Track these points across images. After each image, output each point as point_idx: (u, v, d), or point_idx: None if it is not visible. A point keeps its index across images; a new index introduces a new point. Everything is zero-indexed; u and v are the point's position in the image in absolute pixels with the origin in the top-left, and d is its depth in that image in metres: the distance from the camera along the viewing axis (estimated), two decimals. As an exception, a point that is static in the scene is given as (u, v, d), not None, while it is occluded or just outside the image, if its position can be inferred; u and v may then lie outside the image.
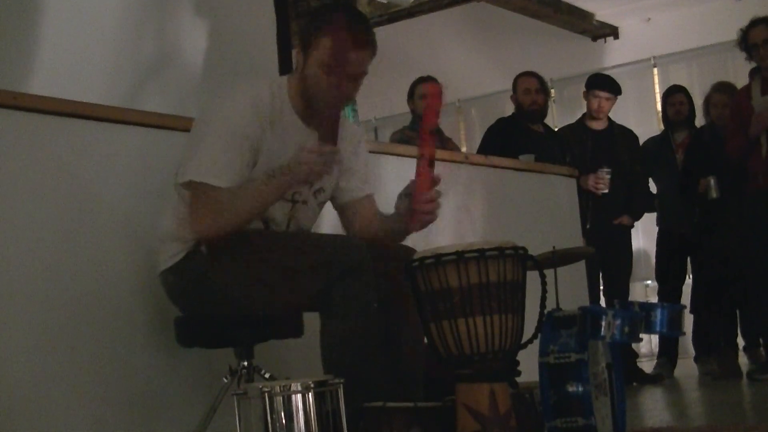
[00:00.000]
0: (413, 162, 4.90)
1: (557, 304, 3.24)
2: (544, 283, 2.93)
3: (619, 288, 6.59)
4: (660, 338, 7.18)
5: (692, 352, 7.14)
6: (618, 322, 3.17)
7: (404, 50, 8.81)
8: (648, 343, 8.67)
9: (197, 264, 3.18)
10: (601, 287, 6.70)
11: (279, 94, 3.23)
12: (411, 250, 3.23)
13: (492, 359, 2.80)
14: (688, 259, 7.03)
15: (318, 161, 3.07)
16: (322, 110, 3.23)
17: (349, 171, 3.45)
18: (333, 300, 3.05)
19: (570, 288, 3.42)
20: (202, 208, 3.11)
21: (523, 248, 2.89)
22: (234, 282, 3.15)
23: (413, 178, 3.24)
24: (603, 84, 6.88)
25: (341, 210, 3.50)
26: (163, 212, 3.29)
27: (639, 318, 3.28)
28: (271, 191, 3.10)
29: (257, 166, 3.17)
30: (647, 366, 7.14)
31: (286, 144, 3.21)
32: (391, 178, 4.72)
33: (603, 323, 3.14)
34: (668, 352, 7.03)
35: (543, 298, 2.94)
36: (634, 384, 6.30)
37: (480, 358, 2.79)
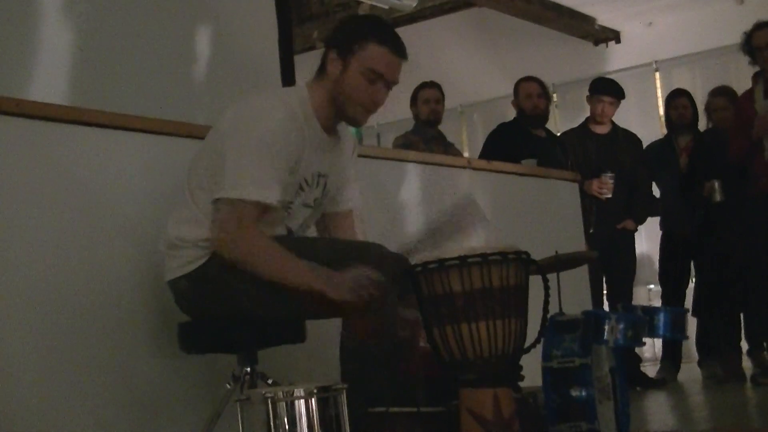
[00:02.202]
0: (415, 167, 4.97)
1: (560, 308, 3.24)
2: (546, 288, 2.92)
3: (622, 292, 6.58)
4: (663, 342, 7.16)
5: (695, 355, 7.13)
6: (621, 325, 3.18)
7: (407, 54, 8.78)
8: (651, 348, 8.65)
9: (217, 270, 3.16)
10: (605, 291, 6.69)
11: (304, 105, 3.25)
12: (404, 259, 3.24)
13: (495, 364, 2.80)
14: (692, 262, 7.01)
15: (371, 293, 3.01)
16: (354, 117, 3.28)
17: (345, 181, 3.48)
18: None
19: (573, 292, 3.41)
20: (237, 232, 3.07)
21: (526, 253, 2.89)
22: (256, 288, 3.12)
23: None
24: (606, 88, 6.88)
25: (322, 216, 3.51)
26: (172, 219, 3.27)
27: (642, 322, 3.28)
28: (308, 279, 3.03)
29: (293, 176, 3.19)
30: (651, 370, 7.13)
31: (312, 153, 3.24)
32: (393, 183, 4.73)
33: (606, 327, 3.15)
34: (671, 356, 7.01)
35: (546, 302, 2.93)
36: (638, 388, 6.28)
37: (483, 363, 2.79)
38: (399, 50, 3.24)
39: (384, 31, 3.28)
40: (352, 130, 3.63)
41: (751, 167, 6.05)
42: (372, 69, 3.19)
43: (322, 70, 3.28)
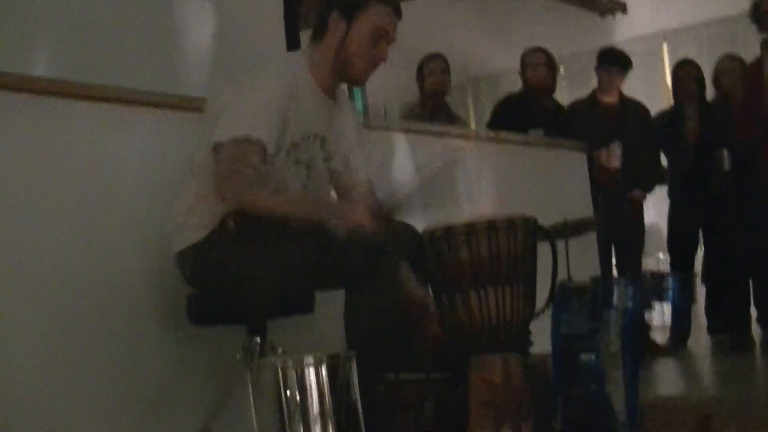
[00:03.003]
0: (421, 138, 4.95)
1: (569, 275, 3.23)
2: (554, 254, 2.92)
3: (631, 262, 6.56)
4: (672, 309, 7.15)
5: (705, 323, 7.11)
6: (630, 291, 3.17)
7: (412, 29, 8.77)
8: (660, 315, 8.64)
9: (222, 240, 3.18)
10: (614, 262, 6.68)
11: (302, 74, 3.28)
12: (413, 229, 3.25)
13: (504, 330, 2.80)
14: (700, 230, 7.00)
15: (367, 224, 3.02)
16: (358, 76, 3.33)
17: (348, 151, 3.49)
18: (360, 274, 3.04)
19: (581, 261, 3.41)
20: (232, 178, 3.08)
21: (533, 219, 2.89)
22: (261, 257, 3.14)
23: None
24: (614, 58, 6.86)
25: (338, 192, 3.54)
26: (180, 199, 3.29)
27: (651, 287, 3.28)
28: (310, 209, 3.08)
29: (284, 134, 3.20)
30: (660, 338, 7.12)
31: (307, 115, 3.26)
32: (400, 154, 4.72)
33: (615, 293, 3.14)
34: (681, 323, 7.00)
35: (554, 269, 2.93)
36: (647, 356, 6.28)
37: (492, 329, 2.79)
38: (397, 9, 3.32)
39: None
40: (358, 105, 3.63)
41: (759, 158, 6.02)
42: (378, 26, 3.25)
43: (319, 32, 3.32)
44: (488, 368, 2.80)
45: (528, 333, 2.95)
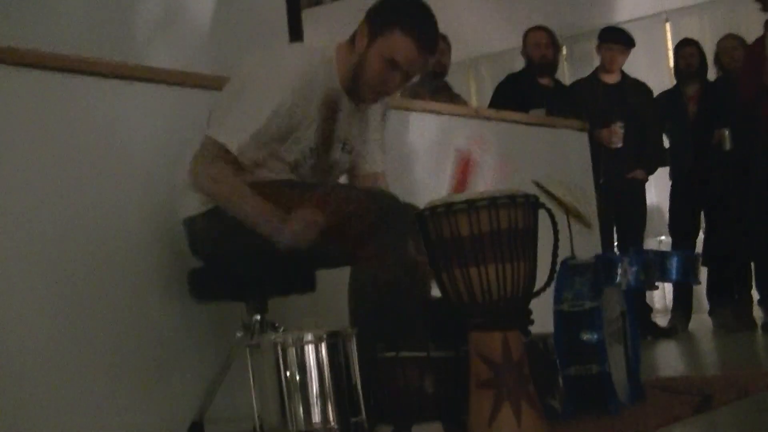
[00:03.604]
0: (423, 116, 4.95)
1: (572, 252, 3.22)
2: (556, 231, 2.91)
3: (632, 243, 6.56)
4: (674, 292, 7.16)
5: (707, 306, 7.12)
6: (633, 268, 3.17)
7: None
8: (662, 298, 8.66)
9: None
10: (615, 243, 6.68)
11: (328, 67, 3.23)
12: (414, 207, 3.24)
13: (504, 307, 2.79)
14: (701, 212, 6.99)
15: (303, 233, 3.03)
16: (363, 96, 3.26)
17: (370, 141, 3.47)
18: (367, 250, 3.04)
19: (583, 239, 3.40)
20: (203, 163, 3.12)
21: (535, 196, 2.88)
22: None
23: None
24: (616, 36, 6.84)
25: (350, 178, 3.52)
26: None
27: (654, 265, 3.27)
28: (255, 219, 3.08)
29: (301, 135, 3.18)
30: (662, 320, 7.13)
31: (332, 117, 3.25)
32: (399, 133, 4.72)
33: (618, 270, 3.14)
34: (682, 305, 7.01)
35: (555, 246, 2.92)
36: (648, 337, 6.29)
37: (492, 306, 2.78)
38: (424, 44, 3.18)
39: (415, 20, 3.19)
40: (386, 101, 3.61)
41: (760, 111, 6.02)
42: (391, 57, 3.16)
43: (354, 38, 3.26)
44: (488, 345, 2.80)
45: (529, 311, 2.93)
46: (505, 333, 2.80)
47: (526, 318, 2.93)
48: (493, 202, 2.77)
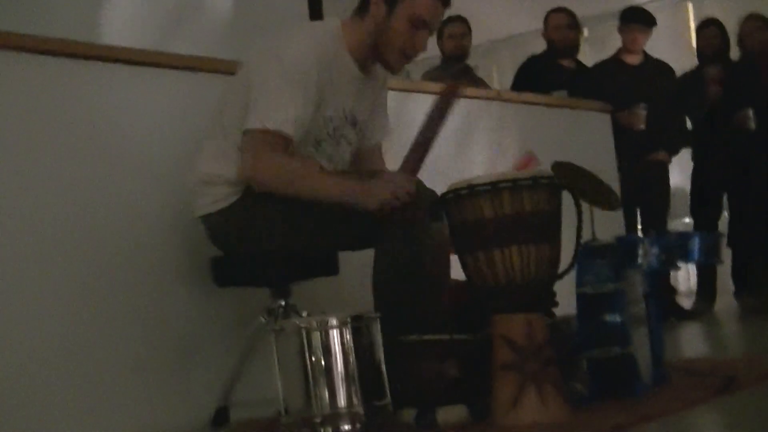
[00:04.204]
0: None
1: (593, 234, 3.23)
2: (579, 213, 2.92)
3: (656, 225, 6.53)
4: (698, 274, 7.14)
5: (731, 287, 7.10)
6: (655, 250, 3.17)
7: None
8: (686, 281, 8.63)
9: (249, 205, 3.20)
10: (639, 226, 6.66)
11: (336, 41, 3.25)
12: (433, 193, 3.26)
13: (528, 289, 2.80)
14: (724, 194, 6.97)
15: (399, 198, 3.03)
16: (393, 63, 3.29)
17: (373, 117, 3.49)
18: (387, 235, 3.06)
19: (606, 222, 3.40)
20: (268, 159, 3.11)
21: (558, 177, 2.89)
22: (287, 221, 3.18)
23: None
24: (637, 16, 6.80)
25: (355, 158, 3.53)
26: (204, 154, 3.30)
27: (676, 246, 3.27)
28: (336, 192, 3.09)
29: (321, 111, 3.20)
30: (686, 303, 7.11)
31: (341, 90, 3.26)
32: (420, 116, 4.72)
33: (640, 252, 3.14)
34: (707, 287, 6.98)
35: (579, 229, 2.93)
36: (673, 319, 6.27)
37: (516, 288, 2.79)
38: None
39: None
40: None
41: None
42: (419, 15, 3.20)
43: (363, 9, 3.28)
44: (511, 328, 2.81)
45: (553, 293, 2.94)
46: (529, 316, 2.82)
47: (550, 300, 2.95)
48: (515, 184, 2.78)
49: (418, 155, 3.20)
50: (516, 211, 2.77)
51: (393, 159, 3.46)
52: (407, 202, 3.01)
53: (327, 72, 3.18)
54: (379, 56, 3.28)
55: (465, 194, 2.81)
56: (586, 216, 2.99)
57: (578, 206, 2.90)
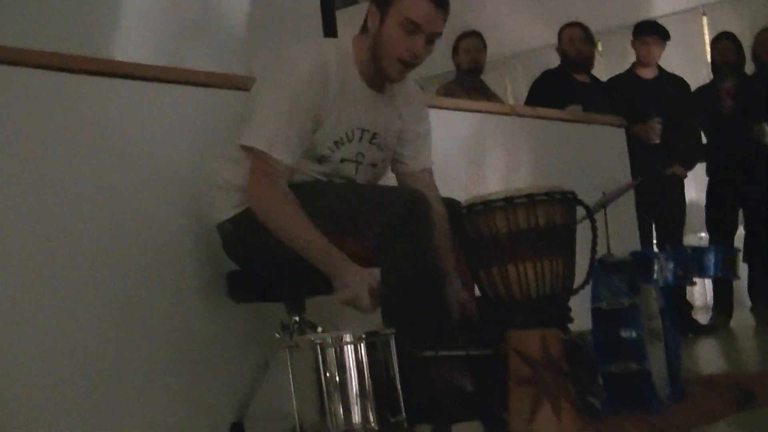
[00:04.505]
0: (457, 114, 4.95)
1: (608, 249, 3.23)
2: (594, 228, 2.92)
3: (672, 239, 6.53)
4: (714, 289, 7.12)
5: (748, 302, 7.08)
6: (670, 265, 3.17)
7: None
8: (703, 296, 8.61)
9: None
10: (654, 240, 6.65)
11: (344, 58, 3.23)
12: (456, 202, 3.26)
13: (543, 304, 2.80)
14: (740, 208, 6.95)
15: (360, 299, 3.01)
16: (390, 72, 3.22)
17: (410, 140, 3.48)
18: (390, 249, 3.03)
19: (621, 236, 3.40)
20: (261, 184, 3.11)
21: (572, 192, 2.89)
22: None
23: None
24: (651, 29, 6.81)
25: (397, 177, 3.53)
26: (220, 156, 3.30)
27: (692, 261, 3.26)
28: (315, 256, 3.07)
29: (323, 129, 3.18)
30: (702, 318, 7.09)
31: (352, 107, 3.23)
32: (436, 131, 4.72)
33: (655, 267, 3.14)
34: (723, 302, 6.97)
35: (594, 243, 2.93)
36: (690, 335, 6.26)
37: (530, 304, 2.79)
38: (439, 1, 3.16)
39: None
40: (421, 98, 3.60)
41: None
42: (409, 19, 3.12)
43: (364, 25, 3.26)
44: (526, 343, 2.81)
45: (568, 308, 2.94)
46: (544, 331, 2.82)
47: (565, 315, 2.94)
48: (530, 199, 2.78)
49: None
50: (530, 225, 2.77)
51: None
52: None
53: (328, 91, 3.16)
54: (378, 68, 3.23)
55: (480, 209, 2.81)
56: (601, 231, 2.99)
57: (593, 222, 2.89)
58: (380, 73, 3.24)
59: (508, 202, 2.78)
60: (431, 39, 3.19)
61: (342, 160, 3.27)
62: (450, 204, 3.30)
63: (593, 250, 2.94)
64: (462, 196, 3.40)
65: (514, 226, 2.77)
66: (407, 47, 3.16)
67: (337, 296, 3.03)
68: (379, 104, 3.32)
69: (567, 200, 2.85)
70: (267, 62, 3.26)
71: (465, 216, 2.86)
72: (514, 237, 2.77)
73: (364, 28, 3.26)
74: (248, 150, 3.14)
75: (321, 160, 3.24)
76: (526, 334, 2.81)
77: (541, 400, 2.75)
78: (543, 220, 2.78)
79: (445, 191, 3.32)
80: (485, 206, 2.80)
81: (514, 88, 10.65)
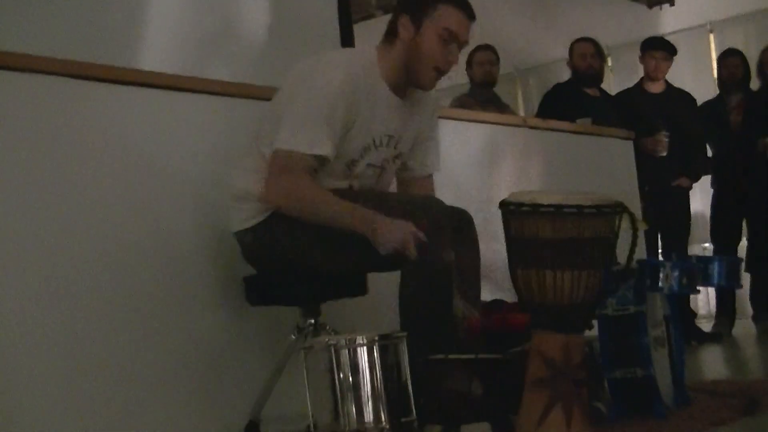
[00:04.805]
0: (470, 126, 4.95)
1: (615, 258, 3.21)
2: (635, 238, 2.87)
3: (677, 249, 6.50)
4: (717, 297, 7.10)
5: (750, 311, 7.05)
6: (675, 273, 3.14)
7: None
8: (706, 304, 8.57)
9: (278, 224, 3.19)
10: (660, 249, 6.63)
11: (371, 67, 3.25)
12: (466, 213, 3.25)
13: (572, 311, 2.77)
14: (743, 219, 6.93)
15: (407, 244, 3.00)
16: (425, 80, 3.27)
17: (422, 145, 3.48)
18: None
19: (628, 245, 3.37)
20: (279, 177, 3.12)
21: (621, 204, 2.84)
22: (314, 241, 3.16)
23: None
24: (658, 44, 6.80)
25: (399, 182, 3.53)
26: (239, 168, 3.30)
27: (696, 270, 3.24)
28: (347, 222, 3.07)
29: (354, 134, 3.19)
30: (706, 326, 7.06)
31: (379, 115, 3.25)
32: (450, 142, 4.72)
33: (661, 275, 3.12)
34: (726, 311, 6.94)
35: (631, 252, 2.89)
36: (693, 342, 6.23)
37: (560, 309, 2.76)
38: (469, 11, 3.26)
39: None
40: (436, 101, 3.61)
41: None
42: (447, 29, 3.20)
43: (391, 35, 3.28)
44: (549, 346, 2.78)
45: (593, 315, 2.91)
46: (569, 337, 2.79)
47: (588, 322, 2.92)
48: (580, 210, 2.73)
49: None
50: (576, 236, 2.72)
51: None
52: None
53: (359, 100, 3.18)
54: (412, 77, 3.27)
55: (527, 211, 2.76)
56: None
57: (635, 230, 2.85)
58: (413, 80, 3.28)
59: (557, 209, 2.73)
60: (461, 48, 3.28)
61: (368, 165, 3.28)
62: (459, 213, 3.29)
63: (630, 259, 2.91)
64: (473, 205, 3.39)
65: (559, 234, 2.72)
66: (444, 56, 3.22)
67: (383, 249, 3.01)
68: (402, 111, 3.34)
69: (614, 213, 2.80)
70: (294, 73, 3.26)
71: (509, 212, 2.81)
72: (557, 245, 2.72)
73: (391, 39, 3.28)
74: (279, 152, 3.12)
75: (350, 165, 3.24)
76: (551, 337, 2.78)
77: (554, 403, 2.73)
78: (589, 233, 2.73)
79: (457, 200, 3.31)
80: (532, 209, 2.75)
81: (525, 100, 10.63)
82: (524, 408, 2.76)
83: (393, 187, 3.54)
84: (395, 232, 2.99)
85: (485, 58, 6.68)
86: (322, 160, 3.11)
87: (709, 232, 7.24)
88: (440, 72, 3.26)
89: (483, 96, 6.57)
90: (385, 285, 3.30)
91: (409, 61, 3.24)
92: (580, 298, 2.76)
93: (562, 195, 2.81)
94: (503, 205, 2.83)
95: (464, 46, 3.29)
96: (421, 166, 3.50)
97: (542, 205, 2.75)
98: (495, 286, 3.81)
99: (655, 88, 6.76)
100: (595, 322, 3.13)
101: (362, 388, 2.74)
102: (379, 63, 3.27)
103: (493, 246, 3.51)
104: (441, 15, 3.20)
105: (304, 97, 3.15)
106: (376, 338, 2.76)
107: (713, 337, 6.55)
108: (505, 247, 2.88)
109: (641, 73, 6.91)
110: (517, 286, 2.84)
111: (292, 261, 3.22)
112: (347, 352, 2.75)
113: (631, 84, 7.10)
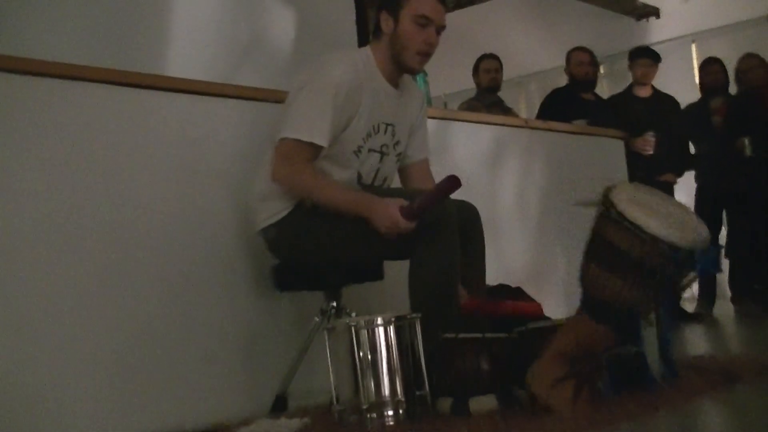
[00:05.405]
0: (478, 127, 4.93)
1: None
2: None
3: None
4: (699, 281, 7.04)
5: (729, 293, 7.00)
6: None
7: (470, 33, 8.72)
8: (689, 288, 8.51)
9: (300, 219, 3.19)
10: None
11: (368, 62, 3.26)
12: (472, 207, 3.22)
13: (614, 312, 2.76)
14: (723, 211, 6.88)
15: (394, 230, 3.02)
16: (411, 64, 3.26)
17: (416, 131, 3.48)
18: (421, 248, 3.03)
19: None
20: (283, 165, 3.13)
21: (692, 251, 2.82)
22: (333, 233, 3.16)
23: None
24: (644, 53, 6.79)
25: (399, 171, 3.52)
26: (260, 174, 3.28)
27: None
28: (343, 205, 3.10)
29: (356, 123, 3.19)
30: (689, 307, 7.01)
31: (378, 104, 3.25)
32: (459, 142, 4.70)
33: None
34: (708, 293, 6.90)
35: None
36: (678, 322, 6.18)
37: (606, 306, 2.75)
38: None
39: None
40: (420, 82, 3.61)
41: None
42: (422, 15, 3.19)
43: (377, 31, 3.31)
44: (584, 329, 2.76)
45: (630, 325, 2.89)
46: (603, 327, 2.78)
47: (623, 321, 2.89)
48: (654, 241, 2.69)
49: (419, 207, 3.08)
50: (644, 260, 2.70)
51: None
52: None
53: (360, 92, 3.18)
54: (400, 64, 3.27)
55: (614, 215, 2.72)
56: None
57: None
58: (402, 68, 3.29)
59: (637, 229, 2.69)
60: (439, 31, 3.25)
61: (370, 150, 3.28)
62: (466, 207, 3.26)
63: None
64: (480, 201, 3.36)
65: (631, 250, 2.69)
66: (423, 39, 3.22)
67: (378, 229, 3.02)
68: (398, 101, 3.35)
69: (685, 256, 2.78)
70: (299, 76, 3.25)
71: (602, 205, 2.78)
72: (625, 258, 2.70)
73: (378, 35, 3.30)
74: (284, 141, 3.13)
75: (357, 152, 3.23)
76: (590, 323, 2.78)
77: (568, 377, 2.69)
78: (656, 261, 2.71)
79: (464, 194, 3.27)
80: (620, 217, 2.72)
81: (527, 104, 10.59)
82: (540, 370, 2.71)
83: (396, 183, 3.51)
84: (388, 208, 3.00)
85: (490, 66, 6.69)
86: (318, 149, 3.11)
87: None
88: (424, 55, 3.25)
89: (488, 100, 6.56)
90: (399, 271, 3.27)
91: (395, 50, 3.24)
92: (625, 303, 2.77)
93: (653, 216, 2.76)
94: (605, 198, 2.80)
95: (442, 29, 3.26)
96: (418, 152, 3.50)
97: (627, 220, 2.72)
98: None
99: (644, 92, 6.72)
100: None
101: (380, 364, 2.74)
102: (375, 59, 3.28)
103: (496, 238, 3.49)
104: (414, 4, 3.21)
105: (306, 90, 3.15)
106: (393, 319, 2.76)
107: (696, 318, 6.51)
108: (510, 240, 2.86)
109: (631, 80, 6.87)
110: (583, 275, 2.81)
111: (313, 251, 3.22)
112: (366, 332, 2.75)
113: (621, 89, 7.06)
